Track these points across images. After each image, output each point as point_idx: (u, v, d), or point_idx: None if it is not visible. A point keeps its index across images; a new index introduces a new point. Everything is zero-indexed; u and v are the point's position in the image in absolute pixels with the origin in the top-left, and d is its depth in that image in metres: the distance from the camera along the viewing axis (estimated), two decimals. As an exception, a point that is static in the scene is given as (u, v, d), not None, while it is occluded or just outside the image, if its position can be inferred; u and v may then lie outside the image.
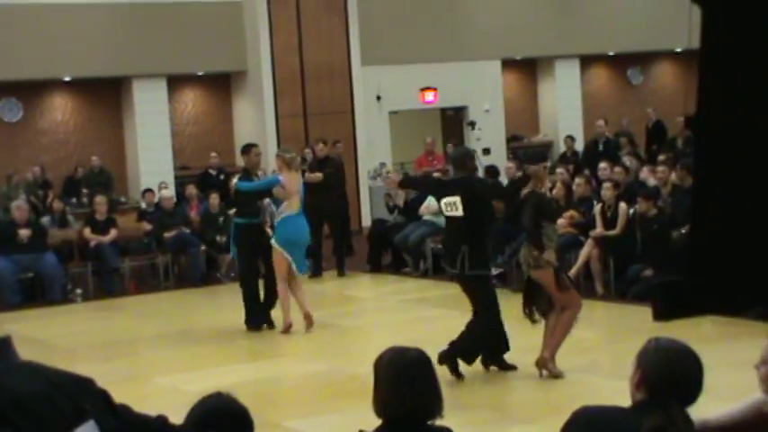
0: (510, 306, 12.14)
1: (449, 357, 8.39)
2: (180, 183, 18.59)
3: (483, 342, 8.62)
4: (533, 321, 8.64)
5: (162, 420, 2.72)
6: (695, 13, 2.33)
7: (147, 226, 15.47)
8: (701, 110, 2.32)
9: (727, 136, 2.37)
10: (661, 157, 14.32)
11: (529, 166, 8.69)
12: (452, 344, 8.47)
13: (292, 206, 11.08)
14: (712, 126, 2.35)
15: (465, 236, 8.31)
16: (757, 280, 2.77)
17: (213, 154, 18.57)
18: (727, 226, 2.53)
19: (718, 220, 2.51)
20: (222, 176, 17.29)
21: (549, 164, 9.21)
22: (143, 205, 16.66)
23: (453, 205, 8.38)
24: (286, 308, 11.10)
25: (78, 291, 14.56)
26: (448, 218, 8.58)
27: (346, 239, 15.76)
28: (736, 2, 2.37)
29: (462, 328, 8.64)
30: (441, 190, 8.91)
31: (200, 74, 19.95)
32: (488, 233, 8.70)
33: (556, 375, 8.44)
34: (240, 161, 12.92)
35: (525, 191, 8.58)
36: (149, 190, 16.50)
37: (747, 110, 2.34)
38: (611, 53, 23.37)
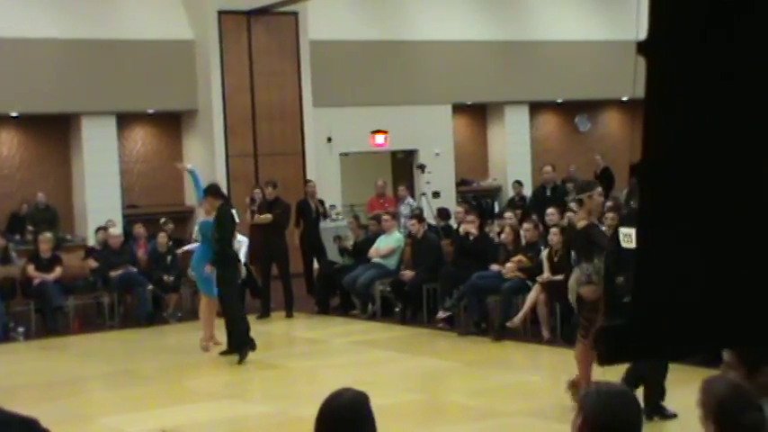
0: (456, 350, 12.22)
1: (655, 409, 7.98)
2: (128, 221, 18.45)
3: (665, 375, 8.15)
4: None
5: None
6: (640, 63, 2.40)
7: (92, 263, 15.32)
8: (645, 158, 2.38)
9: (671, 183, 2.43)
10: (608, 204, 14.43)
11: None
12: (646, 396, 7.98)
13: None
14: (657, 173, 2.41)
15: None
16: (701, 326, 2.82)
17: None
18: (671, 271, 2.58)
19: (661, 264, 2.56)
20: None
21: (598, 190, 8.68)
22: (91, 243, 16.38)
23: (629, 237, 7.97)
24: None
25: (20, 329, 14.34)
26: (626, 249, 8.06)
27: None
28: (681, 54, 2.45)
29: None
30: (622, 221, 8.45)
31: (150, 112, 19.89)
32: None
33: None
34: (188, 201, 13.08)
35: (582, 223, 8.42)
36: (103, 228, 16.27)
37: (691, 157, 2.41)
38: (559, 100, 23.68)
